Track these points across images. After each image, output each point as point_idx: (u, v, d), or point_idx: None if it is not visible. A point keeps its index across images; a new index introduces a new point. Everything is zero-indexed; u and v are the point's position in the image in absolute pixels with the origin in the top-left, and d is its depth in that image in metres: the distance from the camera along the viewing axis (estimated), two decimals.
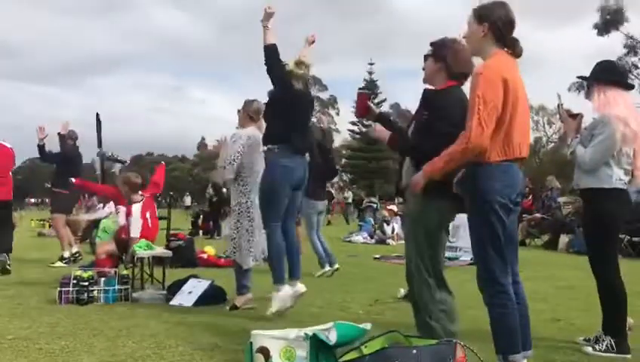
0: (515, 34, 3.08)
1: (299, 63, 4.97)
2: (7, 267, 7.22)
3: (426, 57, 3.56)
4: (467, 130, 2.88)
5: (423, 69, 3.57)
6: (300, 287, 4.97)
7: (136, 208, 6.44)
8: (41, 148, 8.49)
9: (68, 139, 8.91)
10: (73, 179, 7.43)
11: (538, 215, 15.10)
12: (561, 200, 15.80)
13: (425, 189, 3.18)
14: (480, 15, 3.04)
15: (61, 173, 8.47)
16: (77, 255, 8.64)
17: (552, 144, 58.74)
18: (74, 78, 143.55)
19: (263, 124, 5.31)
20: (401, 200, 9.52)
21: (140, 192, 6.66)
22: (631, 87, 4.09)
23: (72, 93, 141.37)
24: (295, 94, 4.95)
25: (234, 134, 5.45)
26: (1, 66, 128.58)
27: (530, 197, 17.68)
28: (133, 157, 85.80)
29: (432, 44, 3.53)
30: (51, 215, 9.04)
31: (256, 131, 5.37)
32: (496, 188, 2.91)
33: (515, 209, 3.05)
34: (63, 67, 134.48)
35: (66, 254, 8.36)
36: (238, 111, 5.65)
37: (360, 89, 4.26)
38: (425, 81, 3.58)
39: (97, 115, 9.18)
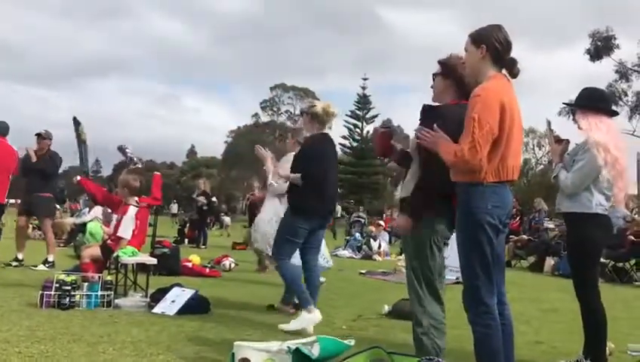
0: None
1: (325, 110, 5.26)
2: None
3: (434, 76, 3.58)
4: (459, 147, 2.90)
5: (432, 87, 3.60)
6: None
7: (132, 210, 6.41)
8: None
9: (46, 140, 8.61)
10: (78, 177, 7.16)
11: (525, 236, 15.17)
12: (547, 224, 15.92)
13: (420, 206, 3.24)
14: (477, 38, 3.08)
15: (43, 177, 8.36)
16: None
17: (541, 166, 59.14)
18: (69, 82, 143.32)
19: None
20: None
21: (136, 197, 6.63)
22: (615, 113, 4.17)
23: (67, 96, 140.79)
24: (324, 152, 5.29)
25: (286, 158, 6.20)
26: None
27: (518, 218, 17.79)
28: (121, 163, 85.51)
29: (439, 62, 3.55)
30: (39, 218, 8.87)
31: None
32: (487, 208, 2.93)
33: (503, 230, 3.07)
34: (60, 70, 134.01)
35: (51, 258, 8.24)
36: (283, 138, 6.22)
37: (382, 127, 4.00)
38: (434, 99, 3.60)
39: (75, 118, 8.58)
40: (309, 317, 4.86)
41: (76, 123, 8.28)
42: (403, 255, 11.46)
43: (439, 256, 3.48)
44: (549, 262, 13.00)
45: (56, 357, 3.61)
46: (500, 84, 3.02)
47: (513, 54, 3.09)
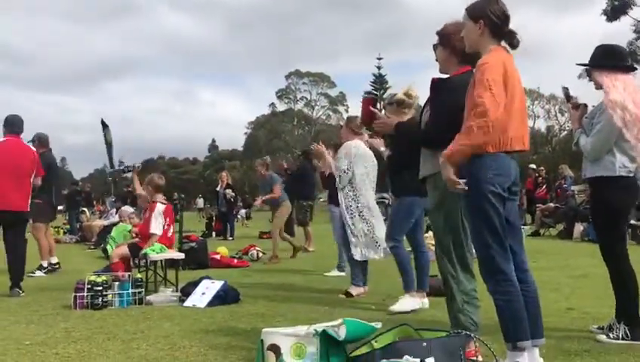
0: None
1: (408, 95, 5.22)
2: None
3: (434, 47, 3.58)
4: (480, 108, 2.83)
5: (437, 60, 3.59)
6: (424, 302, 5.27)
7: (160, 207, 6.49)
8: None
9: (40, 148, 8.12)
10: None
11: (552, 204, 15.00)
12: (574, 188, 15.71)
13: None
14: (473, 13, 3.07)
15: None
16: (56, 266, 8.51)
17: (565, 132, 58.28)
18: (84, 85, 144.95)
19: (365, 137, 6.12)
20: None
21: (161, 195, 6.72)
22: (632, 69, 4.02)
23: (83, 100, 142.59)
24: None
25: (344, 146, 6.12)
26: (14, 75, 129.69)
27: (544, 186, 17.60)
28: (144, 161, 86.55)
29: (437, 32, 3.55)
30: (33, 224, 8.33)
31: (360, 143, 6.07)
32: (488, 177, 2.90)
33: (511, 197, 3.04)
34: (73, 74, 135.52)
35: (45, 263, 8.25)
36: (341, 126, 6.32)
37: (366, 93, 4.15)
38: (440, 70, 3.59)
39: (102, 121, 8.54)
40: (410, 300, 5.16)
41: (104, 125, 8.34)
42: (429, 232, 11.45)
43: (469, 230, 3.47)
44: (578, 227, 12.86)
45: (92, 356, 3.70)
46: (501, 55, 3.01)
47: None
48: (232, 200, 16.03)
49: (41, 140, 8.46)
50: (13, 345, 3.99)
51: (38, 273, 8.04)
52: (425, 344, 2.72)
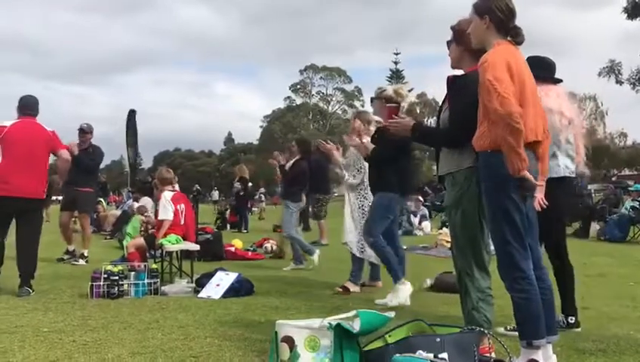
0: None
1: (397, 93, 5.24)
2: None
3: (448, 43, 3.57)
4: (494, 114, 2.82)
5: (449, 55, 3.58)
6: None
7: (167, 194, 6.53)
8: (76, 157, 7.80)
9: (88, 134, 8.52)
10: None
11: None
12: (591, 187, 15.58)
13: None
14: (480, 9, 3.10)
15: (84, 171, 8.25)
16: (71, 254, 8.54)
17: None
18: (101, 76, 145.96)
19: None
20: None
21: (170, 186, 6.77)
22: (559, 81, 4.25)
23: (100, 92, 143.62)
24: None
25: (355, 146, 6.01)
26: (31, 66, 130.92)
27: None
28: (161, 154, 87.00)
29: (451, 28, 3.53)
30: (80, 213, 8.78)
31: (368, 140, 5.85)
32: (509, 174, 2.89)
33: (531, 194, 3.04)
34: (90, 65, 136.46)
35: (87, 253, 8.37)
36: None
37: (387, 101, 4.11)
38: (452, 66, 3.58)
39: (132, 112, 8.59)
40: (405, 289, 5.21)
41: (131, 114, 8.41)
42: (444, 229, 11.41)
43: (485, 227, 3.46)
44: (595, 226, 12.76)
45: (108, 344, 3.74)
46: (505, 48, 3.02)
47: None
48: (240, 193, 16.09)
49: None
50: (31, 331, 4.06)
51: (81, 261, 8.10)
52: (438, 339, 2.72)
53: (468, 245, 3.37)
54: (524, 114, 2.88)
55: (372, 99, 5.81)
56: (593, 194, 14.73)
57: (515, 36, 3.09)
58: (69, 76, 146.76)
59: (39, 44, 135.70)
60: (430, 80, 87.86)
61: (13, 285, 5.53)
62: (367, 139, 5.65)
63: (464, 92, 3.35)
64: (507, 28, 3.08)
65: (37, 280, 5.84)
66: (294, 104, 72.75)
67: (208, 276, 5.75)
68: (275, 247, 9.93)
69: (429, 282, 5.94)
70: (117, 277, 5.39)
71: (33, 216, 5.81)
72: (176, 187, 6.89)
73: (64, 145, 6.17)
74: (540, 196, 3.21)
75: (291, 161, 8.34)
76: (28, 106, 6.00)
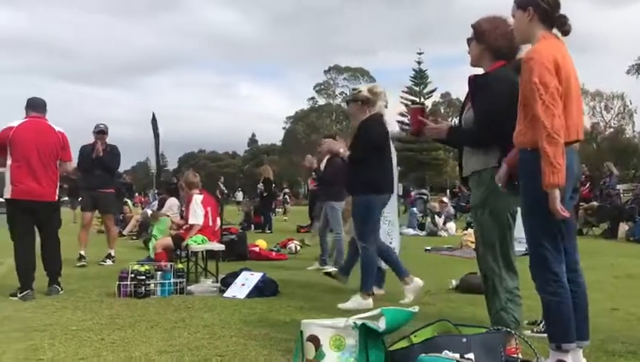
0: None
1: (373, 92, 5.31)
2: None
3: (468, 41, 3.53)
4: (535, 121, 2.76)
5: (469, 53, 3.55)
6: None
7: (197, 197, 6.63)
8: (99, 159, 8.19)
9: (106, 135, 8.42)
10: None
11: (595, 203, 14.61)
12: (620, 187, 15.31)
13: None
14: (523, 1, 3.00)
15: (107, 172, 8.39)
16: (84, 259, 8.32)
17: (611, 130, 56.73)
18: (125, 79, 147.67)
19: None
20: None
21: (197, 190, 6.84)
22: None
23: (125, 94, 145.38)
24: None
25: None
26: (56, 68, 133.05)
27: (588, 184, 17.16)
28: (185, 155, 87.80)
29: (472, 25, 3.50)
30: (104, 214, 8.84)
31: None
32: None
33: (572, 195, 2.98)
34: (115, 68, 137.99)
35: (113, 253, 8.41)
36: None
37: (412, 103, 4.16)
38: (472, 64, 3.55)
39: (153, 115, 8.71)
40: (363, 303, 4.97)
41: (154, 120, 8.49)
42: (469, 230, 11.30)
43: (513, 227, 3.42)
44: (623, 227, 12.54)
45: (135, 342, 3.79)
46: (551, 43, 2.92)
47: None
48: (264, 194, 16.16)
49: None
50: (61, 330, 4.14)
51: (109, 261, 8.16)
52: (465, 340, 2.70)
53: (496, 245, 3.34)
54: (567, 112, 2.82)
55: (347, 102, 5.76)
56: (622, 195, 14.48)
57: (562, 26, 2.98)
58: (94, 78, 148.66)
59: (65, 47, 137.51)
60: (454, 80, 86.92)
61: (41, 285, 5.63)
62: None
63: (486, 91, 3.33)
64: (552, 18, 2.97)
65: (65, 279, 5.95)
66: (317, 105, 72.83)
67: (233, 276, 5.79)
68: (299, 248, 9.94)
69: (454, 283, 5.89)
70: (144, 277, 5.46)
71: (51, 217, 5.79)
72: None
73: (70, 156, 6.05)
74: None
75: (323, 161, 8.18)
76: (35, 106, 5.83)
